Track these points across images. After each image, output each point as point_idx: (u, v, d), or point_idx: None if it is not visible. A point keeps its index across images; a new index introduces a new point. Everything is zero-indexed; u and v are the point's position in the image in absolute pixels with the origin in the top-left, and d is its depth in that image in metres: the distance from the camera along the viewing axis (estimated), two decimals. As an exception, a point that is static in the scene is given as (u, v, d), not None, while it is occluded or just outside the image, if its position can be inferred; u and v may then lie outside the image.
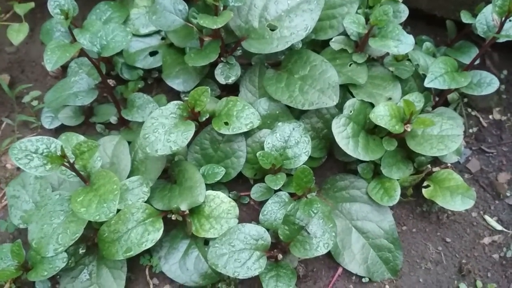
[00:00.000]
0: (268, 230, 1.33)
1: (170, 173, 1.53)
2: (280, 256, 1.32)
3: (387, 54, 1.60)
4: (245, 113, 1.44)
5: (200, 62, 1.44)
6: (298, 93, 1.45)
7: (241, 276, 1.25)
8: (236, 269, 1.26)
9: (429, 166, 1.50)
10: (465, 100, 1.75)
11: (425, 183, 1.50)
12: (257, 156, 1.41)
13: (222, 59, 1.53)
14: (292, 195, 1.46)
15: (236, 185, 1.57)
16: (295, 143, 1.45)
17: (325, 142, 1.55)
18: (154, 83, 1.78)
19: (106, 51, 1.38)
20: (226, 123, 1.43)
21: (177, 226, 1.45)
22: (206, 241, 1.42)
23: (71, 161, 1.17)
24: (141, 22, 1.73)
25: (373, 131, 1.51)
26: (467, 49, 1.70)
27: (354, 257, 1.45)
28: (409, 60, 1.59)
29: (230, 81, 1.53)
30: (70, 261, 1.31)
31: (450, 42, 1.77)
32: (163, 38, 1.73)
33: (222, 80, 1.52)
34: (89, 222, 1.27)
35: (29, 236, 1.29)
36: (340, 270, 1.47)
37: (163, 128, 1.36)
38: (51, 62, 1.27)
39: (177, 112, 1.40)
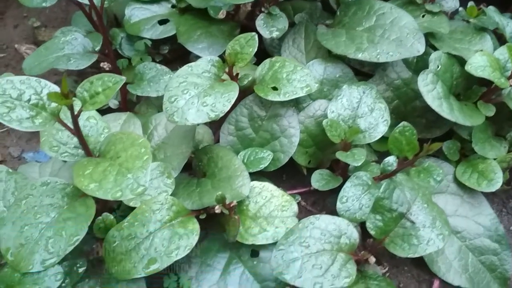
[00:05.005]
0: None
1: (195, 165, 1.13)
2: (372, 259, 0.92)
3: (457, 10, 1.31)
4: (298, 75, 1.08)
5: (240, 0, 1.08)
6: (367, 44, 1.11)
7: (326, 289, 0.85)
8: (316, 280, 0.85)
9: (530, 141, 1.18)
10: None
11: (525, 164, 1.17)
12: (323, 125, 1.04)
13: (262, 9, 1.18)
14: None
15: (279, 181, 1.20)
16: (368, 110, 1.09)
17: (396, 117, 1.20)
18: (162, 62, 1.40)
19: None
20: (275, 88, 1.06)
21: (208, 236, 1.05)
22: (253, 252, 1.01)
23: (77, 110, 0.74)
24: (146, -17, 1.37)
25: (458, 97, 1.17)
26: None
27: (451, 264, 1.08)
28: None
29: (274, 35, 1.17)
30: (64, 283, 0.87)
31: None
32: (173, 6, 1.37)
33: (266, 34, 1.16)
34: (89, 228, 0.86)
35: (1, 245, 0.85)
36: (436, 283, 1.08)
37: (195, 89, 0.98)
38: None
39: (212, 71, 1.03)
